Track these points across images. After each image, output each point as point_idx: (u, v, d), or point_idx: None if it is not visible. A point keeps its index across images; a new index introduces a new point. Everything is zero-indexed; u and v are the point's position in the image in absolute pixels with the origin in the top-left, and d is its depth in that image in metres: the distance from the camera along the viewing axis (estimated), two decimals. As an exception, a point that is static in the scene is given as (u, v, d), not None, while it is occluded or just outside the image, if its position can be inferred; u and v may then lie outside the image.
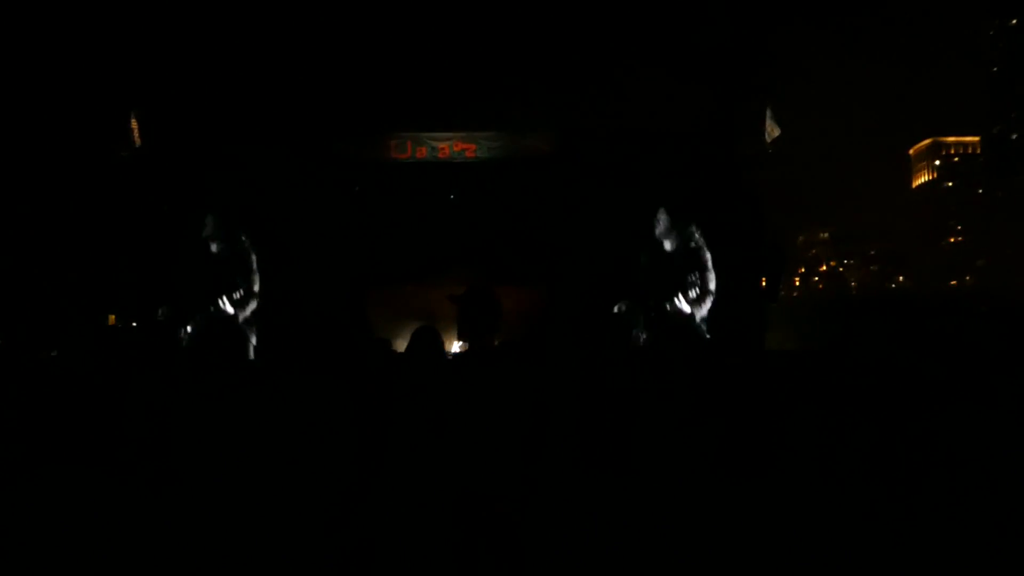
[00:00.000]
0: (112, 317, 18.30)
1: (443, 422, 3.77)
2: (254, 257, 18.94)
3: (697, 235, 18.71)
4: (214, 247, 18.84)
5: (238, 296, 18.87)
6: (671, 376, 4.98)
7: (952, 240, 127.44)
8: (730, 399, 4.39)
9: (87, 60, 17.51)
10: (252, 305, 18.52)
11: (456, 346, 19.79)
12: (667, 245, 18.97)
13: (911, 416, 4.30)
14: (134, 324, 17.47)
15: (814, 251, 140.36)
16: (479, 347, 4.01)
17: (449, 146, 18.82)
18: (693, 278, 18.09)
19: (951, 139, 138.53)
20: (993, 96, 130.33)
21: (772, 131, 18.62)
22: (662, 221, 18.02)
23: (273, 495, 4.07)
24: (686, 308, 17.80)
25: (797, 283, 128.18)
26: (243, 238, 18.72)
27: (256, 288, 18.87)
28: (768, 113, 18.75)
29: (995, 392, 4.19)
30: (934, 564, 3.77)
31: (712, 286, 18.29)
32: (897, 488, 4.07)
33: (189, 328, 18.46)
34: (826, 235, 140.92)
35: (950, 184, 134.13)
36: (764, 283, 18.86)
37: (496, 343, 4.03)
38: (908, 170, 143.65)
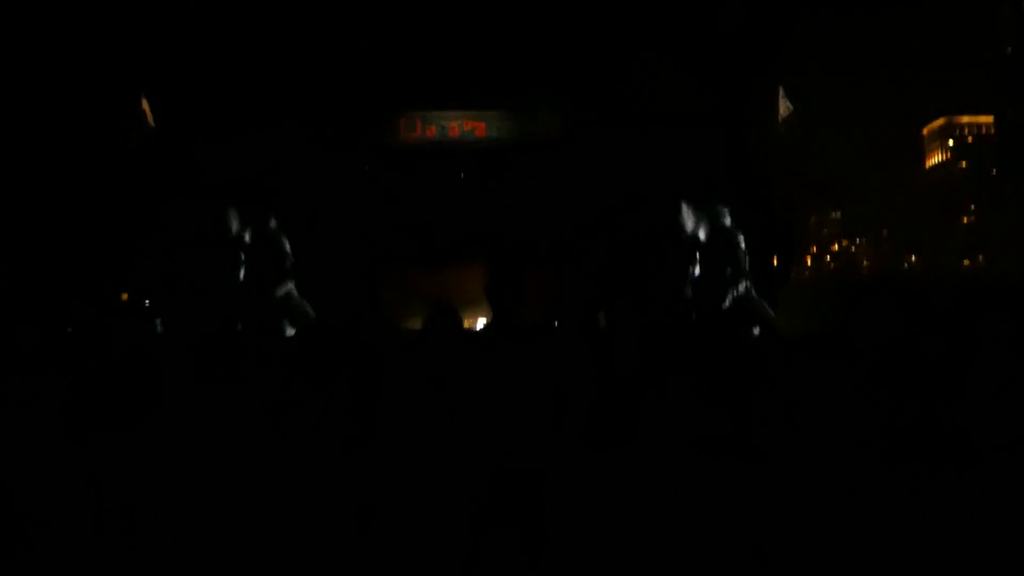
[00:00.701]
0: (124, 296, 18.35)
1: (462, 400, 3.79)
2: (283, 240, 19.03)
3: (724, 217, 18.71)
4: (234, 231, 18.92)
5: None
6: (680, 358, 4.94)
7: (965, 221, 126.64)
8: (740, 381, 4.36)
9: (97, 41, 17.47)
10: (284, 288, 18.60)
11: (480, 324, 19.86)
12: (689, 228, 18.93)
13: (922, 400, 4.26)
14: (147, 302, 17.51)
15: (826, 231, 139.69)
16: (504, 322, 4.03)
17: (459, 125, 18.78)
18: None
19: (965, 119, 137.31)
20: (1007, 75, 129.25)
21: (784, 110, 18.53)
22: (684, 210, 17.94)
23: (283, 479, 4.05)
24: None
25: (809, 263, 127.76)
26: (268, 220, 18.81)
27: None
28: (780, 92, 18.66)
29: (1007, 376, 4.15)
30: (941, 549, 3.76)
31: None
32: (908, 474, 4.05)
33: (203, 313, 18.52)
34: (838, 215, 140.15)
35: (963, 164, 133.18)
36: (775, 264, 18.81)
37: (520, 319, 4.05)
38: (921, 150, 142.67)
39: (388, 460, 3.76)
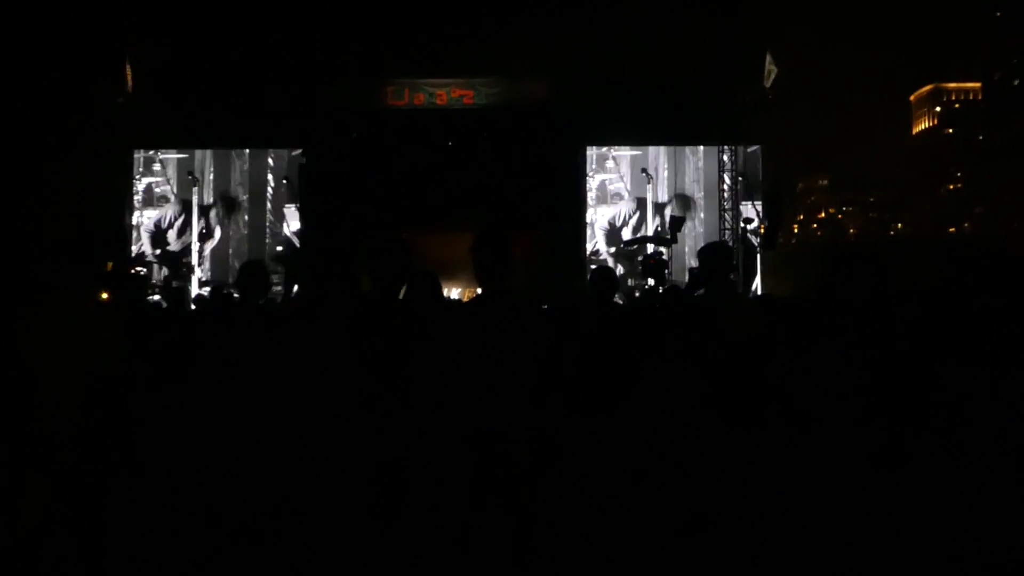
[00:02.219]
0: (110, 264, 18.29)
1: (453, 367, 3.78)
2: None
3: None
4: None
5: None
6: (668, 326, 4.95)
7: (951, 187, 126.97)
8: (724, 346, 4.37)
9: (77, 6, 17.26)
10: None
11: (456, 292, 19.89)
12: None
13: (908, 366, 4.29)
14: (140, 271, 17.47)
15: (813, 198, 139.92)
16: (491, 291, 4.02)
17: (447, 92, 18.69)
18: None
19: (952, 85, 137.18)
20: (995, 41, 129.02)
21: (770, 72, 18.49)
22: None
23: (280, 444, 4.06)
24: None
25: (796, 230, 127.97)
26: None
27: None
28: (768, 57, 18.60)
29: (993, 343, 4.18)
30: (926, 522, 3.81)
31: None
32: (893, 440, 4.08)
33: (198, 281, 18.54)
34: (825, 182, 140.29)
35: (950, 131, 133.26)
36: (763, 230, 18.85)
37: (506, 287, 4.03)
38: (908, 116, 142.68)
39: (375, 430, 3.76)
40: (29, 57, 17.02)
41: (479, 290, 4.13)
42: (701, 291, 4.74)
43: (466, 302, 5.50)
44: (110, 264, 17.68)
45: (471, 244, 4.08)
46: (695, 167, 19.48)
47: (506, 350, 3.79)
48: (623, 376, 4.70)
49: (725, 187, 18.59)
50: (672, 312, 5.64)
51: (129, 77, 18.10)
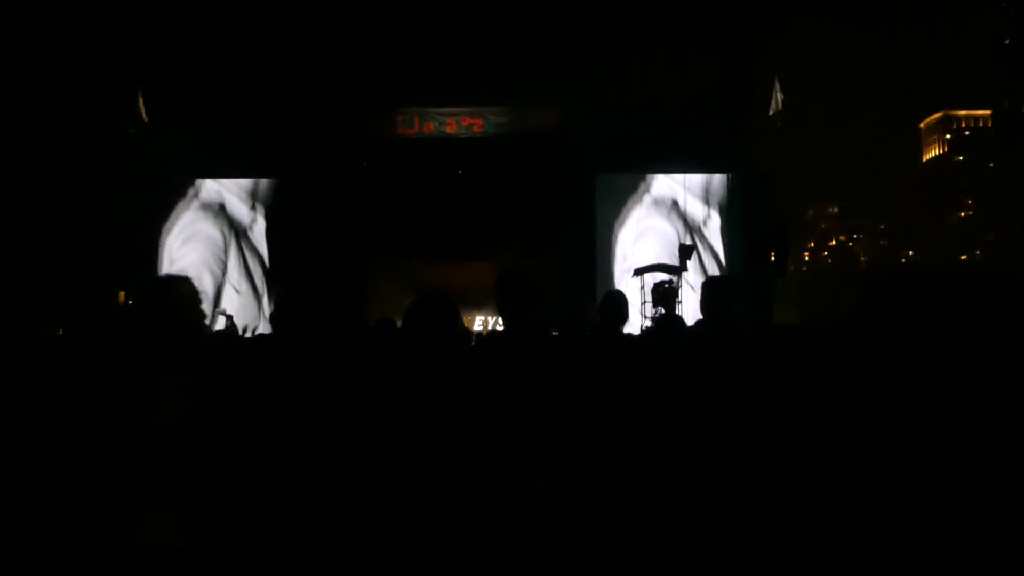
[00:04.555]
0: (122, 294, 18.32)
1: (475, 401, 3.78)
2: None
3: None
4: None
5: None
6: (675, 358, 4.92)
7: (962, 215, 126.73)
8: (733, 377, 4.33)
9: (89, 34, 17.41)
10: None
11: (478, 322, 19.86)
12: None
13: (922, 398, 4.23)
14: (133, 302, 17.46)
15: (823, 225, 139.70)
16: (515, 324, 4.04)
17: (456, 121, 18.77)
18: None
19: (962, 112, 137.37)
20: (1004, 69, 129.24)
21: (779, 99, 18.52)
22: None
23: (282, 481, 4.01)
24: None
25: (806, 257, 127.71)
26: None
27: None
28: (776, 84, 18.64)
29: (1006, 373, 4.11)
30: (938, 554, 3.74)
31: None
32: (906, 476, 4.01)
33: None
34: (835, 209, 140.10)
35: (960, 158, 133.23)
36: (772, 258, 18.79)
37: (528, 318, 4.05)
38: (918, 144, 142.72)
39: (391, 460, 3.74)
40: (40, 87, 17.17)
41: (498, 320, 4.13)
42: (700, 320, 4.76)
43: (488, 335, 5.52)
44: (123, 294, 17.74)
45: (494, 284, 4.10)
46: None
47: (530, 384, 3.81)
48: (624, 410, 4.67)
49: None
50: (669, 343, 5.61)
51: (142, 108, 18.21)
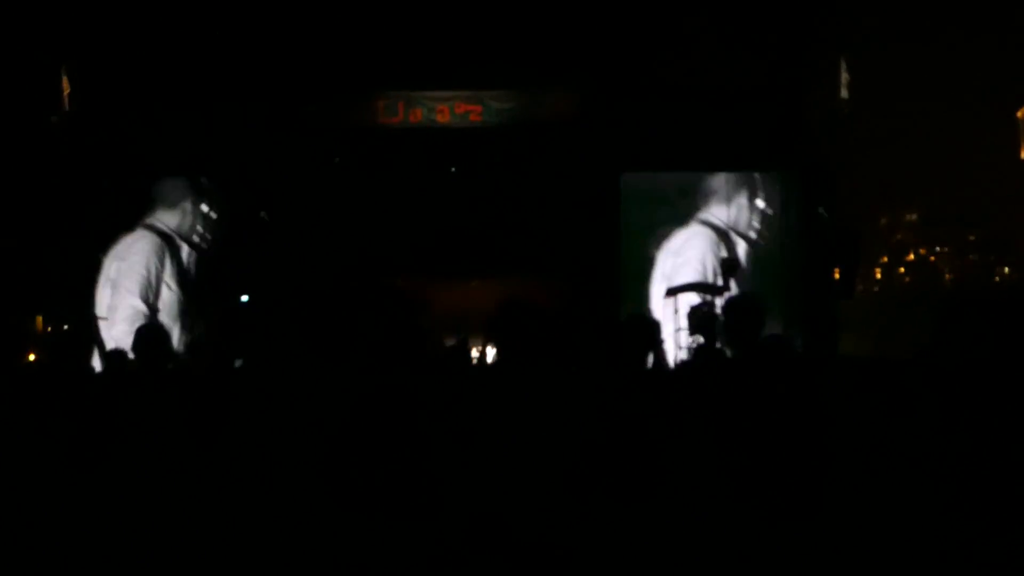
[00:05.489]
0: (40, 319, 18.34)
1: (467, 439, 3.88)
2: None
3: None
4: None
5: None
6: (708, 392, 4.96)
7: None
8: (787, 416, 4.34)
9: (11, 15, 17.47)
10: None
11: (475, 352, 19.87)
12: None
13: (1011, 446, 4.19)
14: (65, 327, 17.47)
15: (899, 236, 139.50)
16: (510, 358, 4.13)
17: (450, 108, 18.71)
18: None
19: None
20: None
21: (846, 83, 18.48)
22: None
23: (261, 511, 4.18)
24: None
25: (879, 275, 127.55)
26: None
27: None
28: (842, 65, 18.61)
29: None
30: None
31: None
32: (989, 534, 3.98)
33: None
34: (914, 217, 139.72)
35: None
36: (837, 275, 18.74)
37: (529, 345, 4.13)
38: (1015, 137, 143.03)
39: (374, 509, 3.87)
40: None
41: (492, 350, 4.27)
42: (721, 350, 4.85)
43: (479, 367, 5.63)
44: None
45: (487, 320, 4.21)
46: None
47: (529, 427, 3.88)
48: (648, 455, 4.70)
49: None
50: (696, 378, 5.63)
51: (66, 92, 18.20)
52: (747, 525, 4.18)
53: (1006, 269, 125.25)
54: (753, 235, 19.24)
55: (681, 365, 13.43)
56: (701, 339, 14.99)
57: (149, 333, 5.38)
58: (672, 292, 17.94)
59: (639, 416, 4.77)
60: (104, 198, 18.89)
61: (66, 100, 18.09)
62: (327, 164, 18.35)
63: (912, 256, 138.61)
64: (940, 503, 4.24)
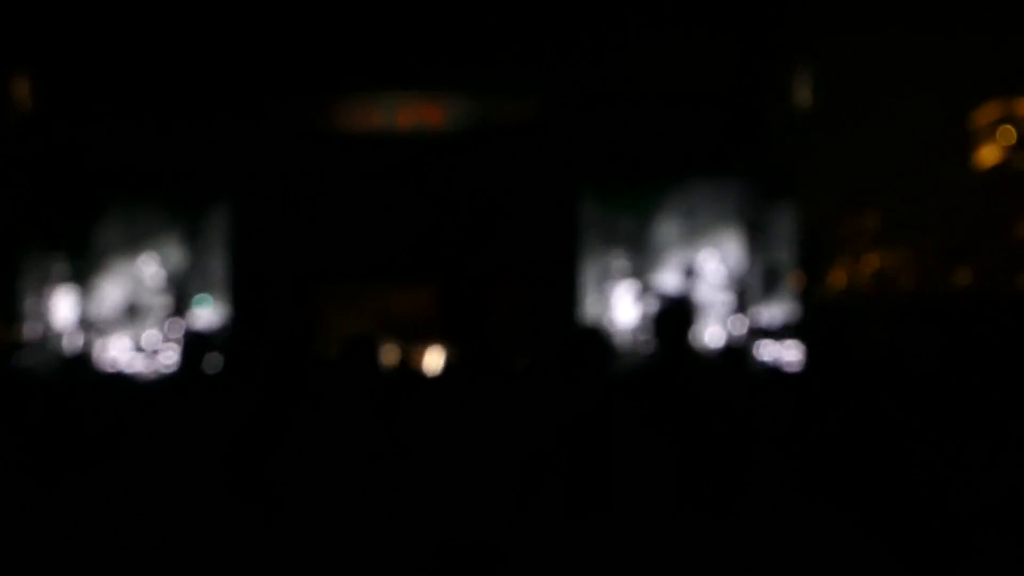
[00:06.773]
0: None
1: (409, 447, 3.87)
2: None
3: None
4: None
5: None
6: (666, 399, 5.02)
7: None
8: (742, 420, 4.42)
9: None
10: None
11: (431, 359, 19.81)
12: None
13: (972, 448, 4.30)
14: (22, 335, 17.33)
15: (857, 241, 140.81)
16: (464, 359, 4.12)
17: (409, 112, 18.62)
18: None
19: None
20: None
21: (803, 87, 18.61)
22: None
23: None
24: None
25: (836, 280, 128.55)
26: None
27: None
28: (801, 72, 18.76)
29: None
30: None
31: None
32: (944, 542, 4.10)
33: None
34: (872, 222, 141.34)
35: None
36: (799, 280, 18.87)
37: (482, 353, 4.12)
38: (974, 142, 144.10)
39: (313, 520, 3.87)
40: None
41: (447, 358, 4.27)
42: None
43: (432, 376, 5.61)
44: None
45: (438, 304, 4.22)
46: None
47: (482, 433, 3.87)
48: (595, 463, 4.76)
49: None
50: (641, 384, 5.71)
51: (21, 98, 18.03)
52: (686, 526, 4.24)
53: (963, 274, 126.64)
54: (713, 239, 19.37)
55: (635, 371, 13.54)
56: (657, 343, 15.14)
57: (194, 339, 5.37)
58: (632, 296, 18.02)
59: (590, 422, 4.85)
60: (61, 204, 18.75)
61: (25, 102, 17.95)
62: (285, 169, 18.20)
63: (870, 261, 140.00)
64: (860, 517, 4.34)
